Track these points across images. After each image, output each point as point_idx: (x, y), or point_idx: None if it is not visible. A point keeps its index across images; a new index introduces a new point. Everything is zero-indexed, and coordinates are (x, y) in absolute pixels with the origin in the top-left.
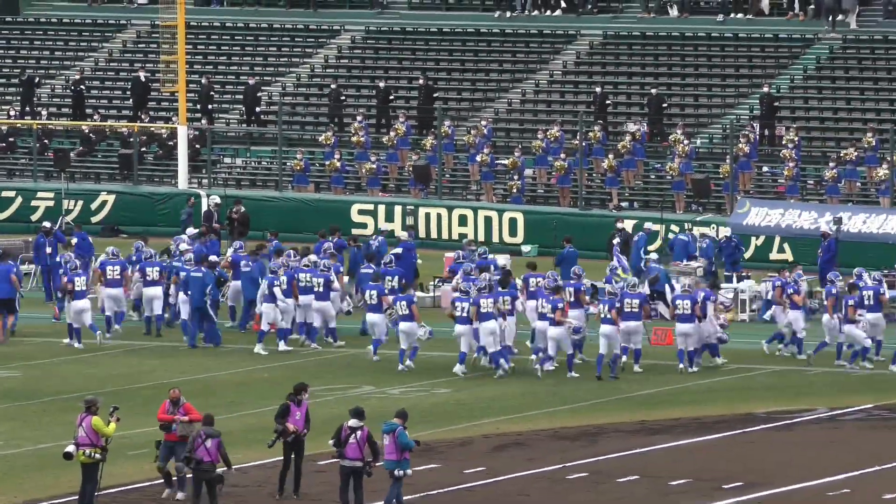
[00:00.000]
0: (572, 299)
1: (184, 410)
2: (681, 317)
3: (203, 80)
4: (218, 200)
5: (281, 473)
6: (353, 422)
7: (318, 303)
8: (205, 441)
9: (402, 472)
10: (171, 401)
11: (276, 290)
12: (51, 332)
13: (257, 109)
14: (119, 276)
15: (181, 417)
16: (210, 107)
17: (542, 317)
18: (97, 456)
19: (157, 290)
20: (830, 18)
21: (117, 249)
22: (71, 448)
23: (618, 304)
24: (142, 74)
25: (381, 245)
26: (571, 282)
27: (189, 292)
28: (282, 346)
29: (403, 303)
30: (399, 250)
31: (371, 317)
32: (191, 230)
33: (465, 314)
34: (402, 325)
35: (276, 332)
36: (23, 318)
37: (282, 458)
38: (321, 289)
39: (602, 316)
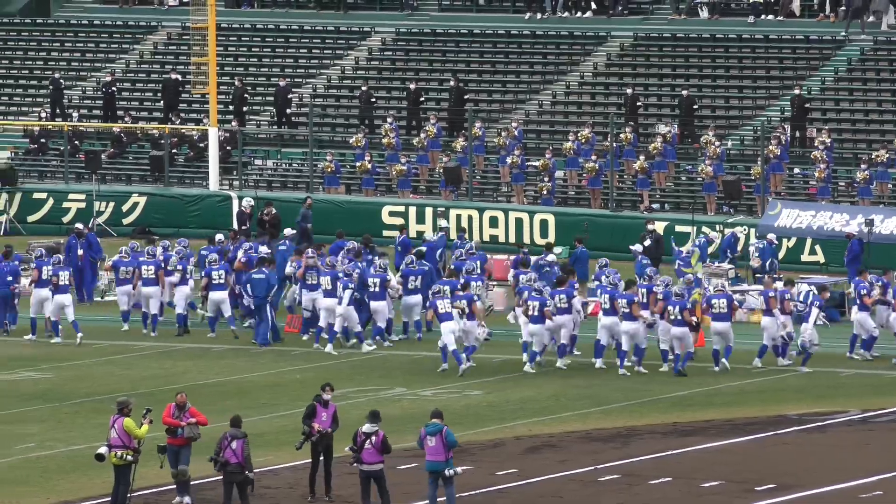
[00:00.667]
0: (645, 300)
1: (189, 414)
2: (716, 316)
3: (236, 83)
4: (252, 202)
5: (310, 475)
6: (367, 427)
7: (374, 303)
8: (231, 443)
9: (452, 472)
10: (178, 405)
11: (347, 292)
12: (84, 334)
13: (288, 111)
14: (154, 276)
15: (189, 420)
16: (243, 109)
17: (606, 312)
18: (129, 458)
19: (156, 290)
20: (861, 20)
21: (154, 248)
22: (103, 449)
23: (688, 306)
24: (173, 75)
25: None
26: (643, 283)
27: (252, 293)
28: (327, 348)
29: (464, 302)
30: (423, 249)
31: (465, 324)
32: (289, 230)
33: (536, 312)
34: (464, 324)
35: (328, 332)
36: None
37: (311, 459)
38: (377, 289)
39: (672, 317)
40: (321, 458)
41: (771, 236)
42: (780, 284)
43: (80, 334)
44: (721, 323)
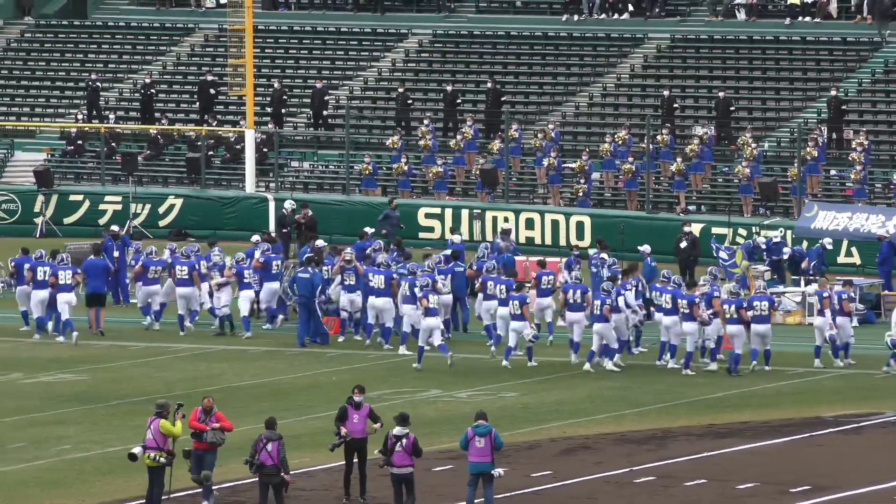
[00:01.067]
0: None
1: (216, 419)
2: (758, 318)
3: (276, 85)
4: (294, 205)
5: (344, 477)
6: (397, 430)
7: (379, 300)
8: (266, 445)
9: (498, 473)
10: (204, 409)
11: (417, 291)
12: (117, 335)
13: (325, 113)
14: (188, 276)
15: (213, 425)
16: (282, 111)
17: (667, 311)
18: (162, 460)
19: (156, 288)
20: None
21: (191, 248)
22: (136, 450)
23: (745, 305)
24: (209, 77)
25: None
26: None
27: (297, 292)
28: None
29: (516, 302)
30: (448, 252)
31: (514, 325)
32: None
33: (599, 311)
34: (514, 324)
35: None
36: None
37: (344, 461)
38: (382, 286)
39: (729, 316)
40: (355, 460)
41: (827, 241)
42: (838, 286)
43: (75, 333)
44: (762, 325)
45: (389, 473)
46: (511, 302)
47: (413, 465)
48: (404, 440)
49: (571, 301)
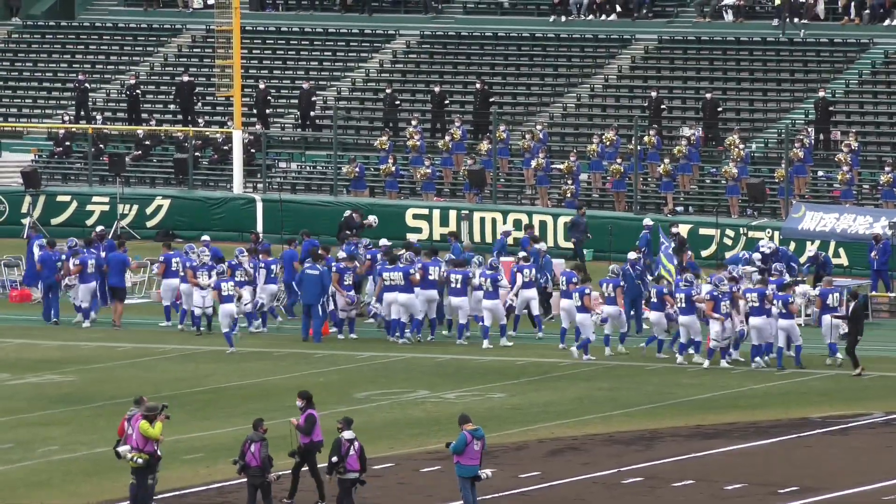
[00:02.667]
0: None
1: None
2: (753, 310)
3: (260, 86)
4: (376, 219)
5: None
6: (349, 433)
7: (488, 301)
8: (250, 446)
9: (487, 475)
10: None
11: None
12: (105, 336)
13: (312, 114)
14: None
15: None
16: (267, 111)
17: (684, 311)
18: (140, 461)
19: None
20: (886, 22)
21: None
22: (123, 448)
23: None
24: (185, 77)
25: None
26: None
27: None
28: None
29: (577, 294)
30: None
31: (579, 317)
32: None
33: (684, 304)
34: (579, 317)
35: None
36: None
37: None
38: (491, 288)
39: (779, 311)
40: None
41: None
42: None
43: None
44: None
45: (338, 480)
46: (574, 294)
47: (359, 471)
48: (356, 443)
49: (680, 304)
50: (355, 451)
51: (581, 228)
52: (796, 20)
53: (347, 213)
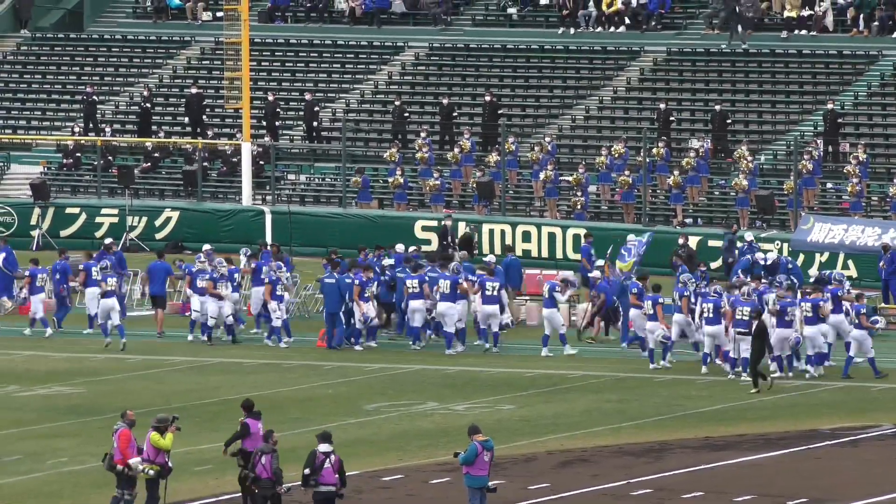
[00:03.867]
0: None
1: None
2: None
3: (269, 97)
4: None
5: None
6: (325, 447)
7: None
8: (261, 458)
9: (494, 486)
10: (129, 425)
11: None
12: (113, 348)
13: (316, 124)
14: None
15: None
16: (276, 123)
17: (710, 321)
18: (151, 472)
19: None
20: (895, 34)
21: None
22: (134, 460)
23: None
24: (194, 90)
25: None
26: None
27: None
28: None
29: (649, 302)
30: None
31: (649, 325)
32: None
33: (712, 314)
34: (649, 325)
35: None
36: (87, 333)
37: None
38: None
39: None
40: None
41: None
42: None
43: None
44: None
45: (313, 493)
46: (646, 302)
47: (336, 484)
48: (332, 456)
49: (707, 314)
50: (331, 465)
51: (732, 248)
52: (741, 30)
53: (447, 221)
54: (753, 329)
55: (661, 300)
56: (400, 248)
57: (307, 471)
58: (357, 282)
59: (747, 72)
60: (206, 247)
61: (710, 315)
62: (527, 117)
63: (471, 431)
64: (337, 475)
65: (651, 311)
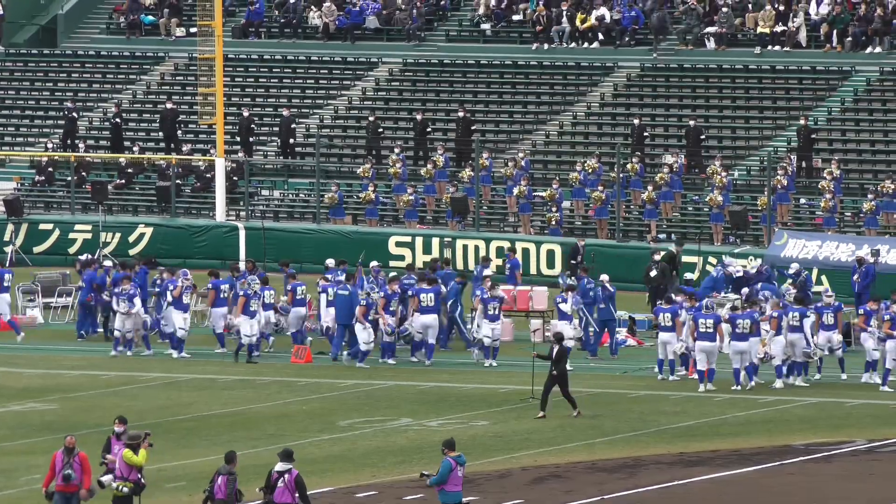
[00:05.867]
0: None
1: (79, 459)
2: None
3: (244, 113)
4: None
5: None
6: (280, 465)
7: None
8: (217, 479)
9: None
10: (66, 448)
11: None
12: (88, 365)
13: (292, 141)
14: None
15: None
16: (250, 139)
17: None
18: (125, 490)
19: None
20: (868, 50)
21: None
22: (106, 478)
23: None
24: (169, 105)
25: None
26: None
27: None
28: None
29: (668, 314)
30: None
31: (663, 336)
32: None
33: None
34: (663, 336)
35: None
36: (60, 350)
37: None
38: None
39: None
40: None
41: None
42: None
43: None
44: (741, 342)
45: None
46: (661, 314)
47: (294, 503)
48: (287, 476)
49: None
50: (285, 484)
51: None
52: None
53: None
54: (552, 354)
55: (679, 313)
56: (330, 262)
57: (258, 489)
58: (382, 294)
59: (721, 87)
60: (184, 270)
61: (710, 329)
62: (500, 133)
63: (446, 446)
64: (296, 493)
65: (669, 324)
